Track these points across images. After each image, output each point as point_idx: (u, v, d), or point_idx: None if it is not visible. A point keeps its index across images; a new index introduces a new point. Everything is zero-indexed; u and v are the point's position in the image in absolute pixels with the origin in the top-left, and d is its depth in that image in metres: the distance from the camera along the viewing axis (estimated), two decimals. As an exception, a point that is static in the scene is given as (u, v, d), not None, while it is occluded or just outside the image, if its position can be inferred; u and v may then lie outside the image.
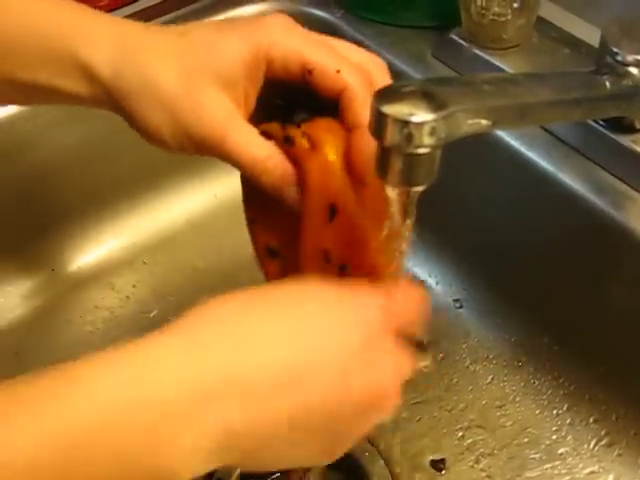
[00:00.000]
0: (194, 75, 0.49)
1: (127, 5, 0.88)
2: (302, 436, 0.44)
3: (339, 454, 0.47)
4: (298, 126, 0.49)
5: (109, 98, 0.51)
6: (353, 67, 0.50)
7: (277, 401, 0.42)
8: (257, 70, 0.50)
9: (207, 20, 0.54)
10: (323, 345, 0.44)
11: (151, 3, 0.88)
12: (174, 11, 0.87)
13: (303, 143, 0.48)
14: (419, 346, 0.49)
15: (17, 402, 0.38)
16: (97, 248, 0.88)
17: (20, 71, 0.52)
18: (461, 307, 0.82)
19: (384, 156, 0.43)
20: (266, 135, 0.50)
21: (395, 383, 0.46)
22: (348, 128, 0.49)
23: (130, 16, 0.85)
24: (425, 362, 0.50)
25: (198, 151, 0.50)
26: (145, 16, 0.86)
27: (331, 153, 0.47)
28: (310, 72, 0.49)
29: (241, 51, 0.49)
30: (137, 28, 0.53)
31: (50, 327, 0.83)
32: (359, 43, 0.82)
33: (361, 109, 0.48)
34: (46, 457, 0.37)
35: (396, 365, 0.46)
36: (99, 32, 0.51)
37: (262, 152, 0.49)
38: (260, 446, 0.43)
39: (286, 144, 0.49)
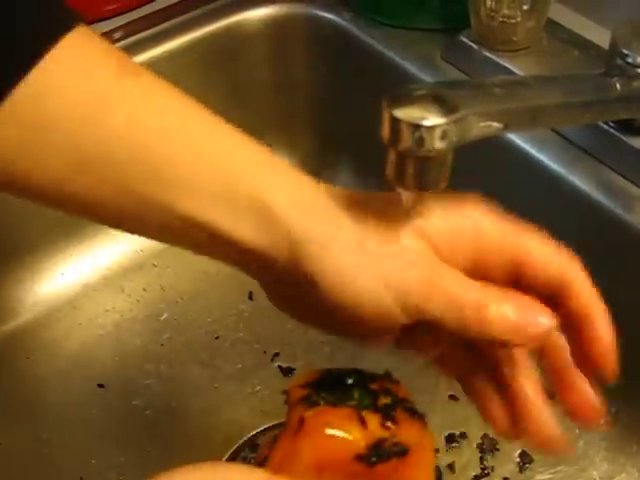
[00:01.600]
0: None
1: (144, 5, 0.88)
2: None
3: None
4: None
5: (287, 260, 0.45)
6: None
7: None
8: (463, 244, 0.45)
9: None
10: None
11: (168, 3, 0.89)
12: (191, 11, 0.88)
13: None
14: None
15: None
16: (107, 252, 0.88)
17: (194, 209, 0.45)
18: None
19: (397, 160, 0.43)
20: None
21: None
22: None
23: (147, 16, 0.86)
24: None
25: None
26: (163, 16, 0.87)
27: None
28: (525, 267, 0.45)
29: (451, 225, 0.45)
30: (320, 190, 0.46)
31: (61, 330, 0.84)
32: (369, 46, 0.84)
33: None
34: None
35: None
36: (288, 189, 0.45)
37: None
38: None
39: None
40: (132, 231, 0.48)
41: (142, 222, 0.46)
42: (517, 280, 0.45)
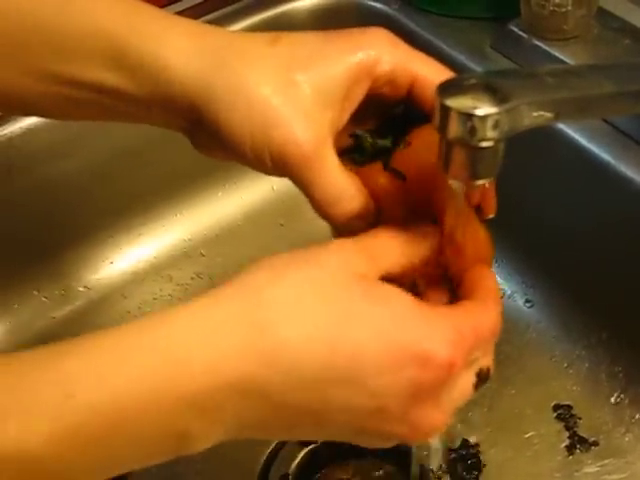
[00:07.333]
0: (291, 88, 0.46)
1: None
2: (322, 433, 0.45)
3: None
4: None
5: (184, 102, 0.47)
6: None
7: (292, 411, 0.41)
8: (359, 87, 0.47)
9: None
10: (368, 364, 0.41)
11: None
12: (240, 1, 0.88)
13: None
14: (480, 377, 0.47)
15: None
16: (156, 240, 0.89)
17: (83, 72, 0.48)
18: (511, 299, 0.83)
19: (447, 149, 0.42)
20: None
21: (419, 437, 0.44)
22: None
23: (195, 6, 0.87)
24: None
25: (272, 169, 0.47)
26: (211, 6, 0.87)
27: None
28: (415, 86, 0.48)
29: (344, 67, 0.47)
30: (219, 31, 0.49)
31: (109, 318, 0.85)
32: (417, 35, 0.83)
33: None
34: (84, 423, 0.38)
35: (431, 426, 0.44)
36: (177, 32, 0.48)
37: (340, 193, 0.47)
38: (273, 434, 0.45)
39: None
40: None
41: (38, 93, 0.49)
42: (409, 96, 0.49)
